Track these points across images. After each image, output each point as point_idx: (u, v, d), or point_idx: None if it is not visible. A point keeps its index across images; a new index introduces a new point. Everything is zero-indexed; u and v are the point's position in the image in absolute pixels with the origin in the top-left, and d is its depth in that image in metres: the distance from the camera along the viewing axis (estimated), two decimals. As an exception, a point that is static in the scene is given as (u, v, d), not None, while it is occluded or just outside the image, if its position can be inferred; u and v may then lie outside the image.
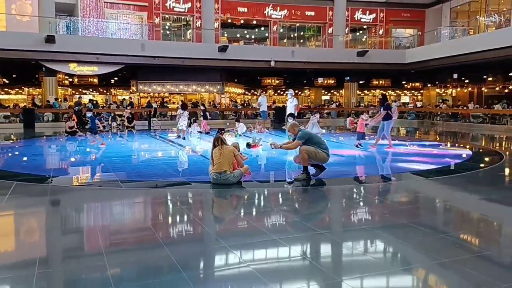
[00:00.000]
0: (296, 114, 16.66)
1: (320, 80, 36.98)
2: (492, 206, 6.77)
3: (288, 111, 17.07)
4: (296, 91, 39.77)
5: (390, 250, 4.89)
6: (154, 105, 29.19)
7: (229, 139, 15.26)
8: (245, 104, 35.20)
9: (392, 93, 41.20)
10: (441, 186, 8.25)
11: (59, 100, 28.29)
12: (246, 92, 38.81)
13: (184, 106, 17.40)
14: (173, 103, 33.32)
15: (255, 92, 39.47)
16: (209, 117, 22.13)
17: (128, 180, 8.62)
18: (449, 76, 33.18)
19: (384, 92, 18.30)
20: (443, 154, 12.66)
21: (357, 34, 35.80)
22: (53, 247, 5.01)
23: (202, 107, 21.89)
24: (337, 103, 36.55)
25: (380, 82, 38.47)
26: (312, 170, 8.51)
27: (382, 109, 13.55)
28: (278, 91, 38.67)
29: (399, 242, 4.98)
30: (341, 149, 13.34)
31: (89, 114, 15.74)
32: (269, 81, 36.61)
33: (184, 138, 16.31)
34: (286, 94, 23.87)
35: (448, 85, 36.47)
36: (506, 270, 4.33)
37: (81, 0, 27.94)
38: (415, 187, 8.25)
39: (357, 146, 13.56)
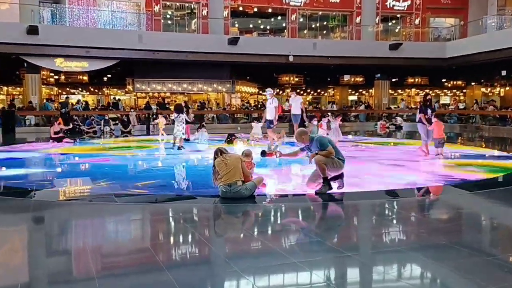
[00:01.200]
0: (276, 119, 15.96)
1: (346, 77, 37.02)
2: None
3: (268, 115, 16.08)
4: (318, 90, 39.88)
5: (428, 276, 4.88)
6: (154, 107, 29.39)
7: (241, 146, 15.32)
8: (259, 106, 35.28)
9: (431, 92, 41.00)
10: (487, 201, 8.21)
11: (50, 101, 28.61)
12: (260, 92, 38.86)
13: (179, 109, 17.12)
14: (175, 102, 33.51)
15: (271, 92, 39.46)
16: (190, 120, 22.28)
17: (123, 193, 8.69)
18: (496, 73, 32.99)
19: (427, 91, 18.27)
20: (490, 164, 12.58)
21: (389, 24, 35.82)
22: (36, 272, 5.01)
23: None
24: (366, 104, 36.52)
25: (416, 80, 38.42)
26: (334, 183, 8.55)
27: (419, 112, 13.70)
28: (297, 90, 38.68)
29: (439, 266, 4.96)
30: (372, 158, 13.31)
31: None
32: (287, 78, 36.73)
33: (179, 148, 16.03)
34: (303, 94, 23.75)
35: (495, 84, 36.29)
36: None
37: (69, -14, 28.27)
38: (457, 202, 8.22)
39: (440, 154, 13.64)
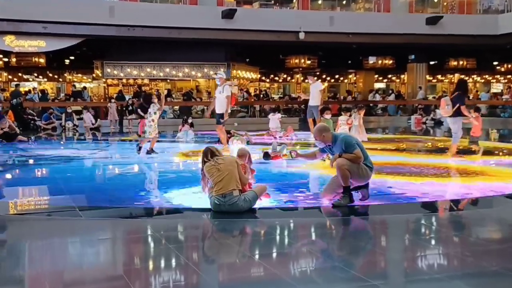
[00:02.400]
0: (228, 112, 15.60)
1: (371, 60, 37.03)
2: None
3: (218, 108, 15.58)
4: (336, 76, 39.88)
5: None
6: (128, 97, 29.45)
7: (237, 146, 15.34)
8: (262, 96, 35.33)
9: (479, 78, 41.03)
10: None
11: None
12: (263, 78, 38.93)
13: (146, 99, 15.86)
14: (158, 91, 33.46)
15: (276, 78, 39.55)
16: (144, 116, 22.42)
17: (90, 206, 8.68)
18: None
19: (463, 78, 18.29)
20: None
21: (426, -8, 35.79)
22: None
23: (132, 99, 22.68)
24: (397, 94, 36.53)
25: (461, 62, 38.39)
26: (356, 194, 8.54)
27: (458, 102, 13.71)
28: (316, 73, 38.35)
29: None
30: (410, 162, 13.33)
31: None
32: (296, 61, 36.74)
33: (139, 149, 14.87)
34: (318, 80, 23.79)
35: None
36: None
37: None
38: (511, 218, 8.24)
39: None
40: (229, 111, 15.81)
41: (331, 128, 9.09)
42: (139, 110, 22.67)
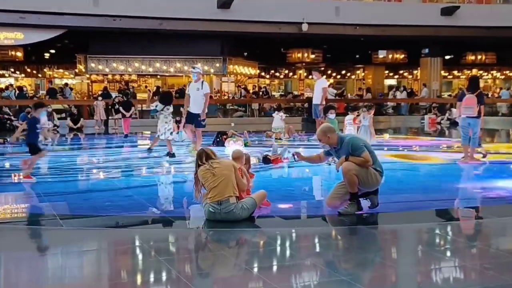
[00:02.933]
0: (205, 112, 15.32)
1: (381, 54, 37.07)
2: None
3: (194, 107, 15.28)
4: (343, 72, 39.90)
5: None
6: (115, 95, 29.42)
7: (233, 147, 15.34)
8: (261, 93, 35.33)
9: (499, 75, 41.03)
10: None
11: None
12: (263, 74, 38.94)
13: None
14: (147, 87, 33.55)
15: (277, 73, 39.58)
16: (128, 114, 22.53)
17: (72, 215, 8.68)
18: None
19: (476, 74, 18.29)
20: None
21: (441, -21, 35.81)
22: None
23: (118, 96, 22.69)
24: (409, 91, 36.52)
25: (479, 57, 38.42)
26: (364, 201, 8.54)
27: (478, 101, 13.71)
28: (320, 68, 38.40)
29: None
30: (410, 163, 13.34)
31: (42, 113, 14.90)
32: (299, 55, 36.82)
33: (169, 155, 15.27)
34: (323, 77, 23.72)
35: None
36: None
37: None
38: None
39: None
40: (206, 111, 15.52)
41: (336, 129, 9.02)
42: (120, 108, 22.73)
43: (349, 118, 16.45)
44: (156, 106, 15.25)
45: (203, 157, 8.12)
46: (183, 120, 16.05)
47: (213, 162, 8.05)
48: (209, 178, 7.93)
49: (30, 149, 11.87)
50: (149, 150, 15.84)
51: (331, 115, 14.89)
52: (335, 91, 35.53)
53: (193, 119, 15.33)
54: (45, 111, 14.60)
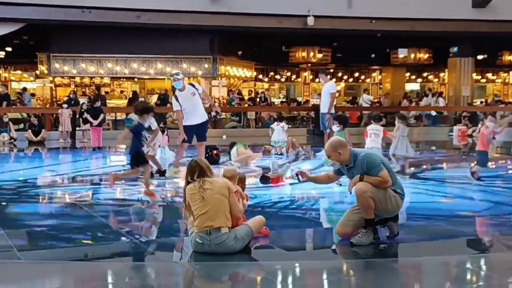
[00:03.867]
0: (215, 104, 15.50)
1: (401, 53, 37.12)
2: None
3: (194, 117, 15.24)
4: (356, 75, 40.00)
5: None
6: (83, 101, 29.38)
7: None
8: (259, 100, 35.34)
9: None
10: None
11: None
12: (261, 76, 39.00)
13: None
14: (122, 92, 33.53)
15: (277, 76, 39.65)
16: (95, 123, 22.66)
17: (32, 246, 8.63)
18: None
19: None
20: None
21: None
22: None
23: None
24: (436, 97, 36.50)
25: (518, 58, 38.54)
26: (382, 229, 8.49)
27: None
28: (329, 70, 38.26)
29: None
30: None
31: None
32: (304, 54, 36.87)
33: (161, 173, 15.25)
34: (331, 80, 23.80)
35: None
36: None
37: None
38: None
39: (474, 177, 13.69)
40: (215, 102, 15.52)
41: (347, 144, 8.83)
42: (88, 116, 22.76)
43: (373, 128, 16.08)
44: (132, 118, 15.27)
45: (195, 172, 7.89)
46: (180, 137, 15.76)
47: (205, 182, 7.80)
48: (198, 201, 7.75)
49: (134, 159, 12.05)
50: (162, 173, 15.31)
51: (336, 127, 14.65)
52: (371, 98, 35.56)
53: (199, 131, 15.25)
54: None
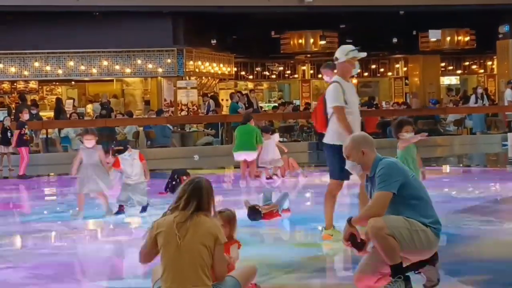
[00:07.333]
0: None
1: (433, 36, 37.22)
2: None
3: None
4: (373, 67, 40.18)
5: None
6: (3, 114, 29.42)
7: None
8: (244, 105, 35.41)
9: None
10: None
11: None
12: (243, 73, 39.10)
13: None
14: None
15: (265, 72, 39.74)
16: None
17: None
18: None
19: None
20: None
21: None
22: None
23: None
24: (481, 92, 36.55)
25: None
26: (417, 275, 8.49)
27: None
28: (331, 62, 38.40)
29: None
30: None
31: None
32: (301, 41, 37.00)
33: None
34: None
35: None
36: None
37: None
38: None
39: None
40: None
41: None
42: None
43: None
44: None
45: (182, 201, 7.39)
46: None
47: (191, 219, 7.29)
48: (170, 248, 7.40)
49: None
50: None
51: None
52: None
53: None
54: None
